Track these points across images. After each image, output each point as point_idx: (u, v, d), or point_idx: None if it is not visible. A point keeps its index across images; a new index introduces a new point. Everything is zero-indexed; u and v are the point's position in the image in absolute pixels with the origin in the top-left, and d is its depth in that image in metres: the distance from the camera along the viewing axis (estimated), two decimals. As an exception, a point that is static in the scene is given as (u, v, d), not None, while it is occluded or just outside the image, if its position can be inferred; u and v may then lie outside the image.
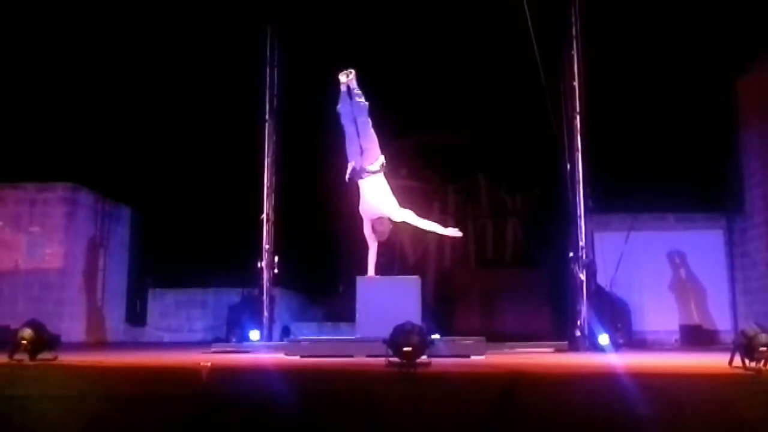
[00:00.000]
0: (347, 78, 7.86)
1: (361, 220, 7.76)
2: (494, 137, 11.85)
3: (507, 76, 10.44)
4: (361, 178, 7.68)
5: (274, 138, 10.11)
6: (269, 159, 10.03)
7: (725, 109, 11.06)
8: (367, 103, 7.77)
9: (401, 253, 12.17)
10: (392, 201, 7.68)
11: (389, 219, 7.58)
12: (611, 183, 9.46)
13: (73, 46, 10.62)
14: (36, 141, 10.98)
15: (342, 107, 7.87)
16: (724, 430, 3.61)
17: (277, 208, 10.05)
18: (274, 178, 10.03)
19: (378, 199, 7.62)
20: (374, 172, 7.68)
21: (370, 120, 7.78)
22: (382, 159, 7.76)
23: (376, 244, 7.69)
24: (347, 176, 7.74)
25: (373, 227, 7.59)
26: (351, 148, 7.78)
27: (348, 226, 10.48)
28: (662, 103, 10.49)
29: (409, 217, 7.62)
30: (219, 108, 10.67)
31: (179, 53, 10.71)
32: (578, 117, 8.97)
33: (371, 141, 7.76)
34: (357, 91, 7.79)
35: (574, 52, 9.03)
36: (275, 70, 10.18)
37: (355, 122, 7.75)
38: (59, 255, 11.34)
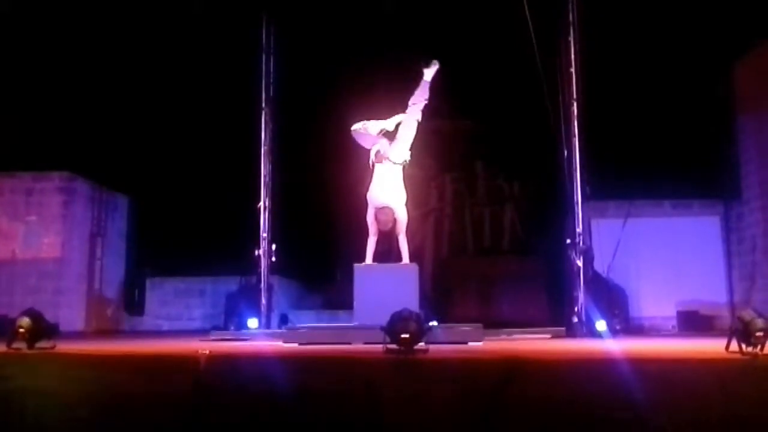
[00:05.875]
0: (430, 68, 7.89)
1: (364, 206, 7.77)
2: (492, 125, 11.83)
3: (504, 64, 10.43)
4: (380, 162, 7.73)
5: (271, 126, 10.09)
6: (266, 147, 10.01)
7: (722, 95, 11.04)
8: (426, 101, 7.81)
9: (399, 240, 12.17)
10: (402, 196, 7.72)
11: (393, 211, 7.60)
12: (608, 170, 9.46)
13: (67, 34, 10.58)
14: (32, 130, 10.96)
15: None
16: (721, 415, 3.62)
17: (275, 196, 10.05)
18: (270, 166, 10.02)
19: (389, 189, 7.66)
20: (394, 164, 7.74)
21: (420, 118, 7.79)
22: (408, 156, 7.83)
23: (376, 232, 7.71)
24: (371, 159, 7.78)
25: (375, 216, 7.61)
26: (386, 127, 7.83)
27: (345, 214, 10.50)
28: (659, 89, 10.47)
29: (403, 224, 7.66)
30: (215, 96, 10.64)
31: (175, 42, 10.68)
32: (575, 104, 8.97)
33: (409, 135, 7.83)
34: (429, 84, 7.89)
35: (571, 39, 9.01)
36: (271, 57, 10.15)
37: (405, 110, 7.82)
38: (56, 244, 11.34)
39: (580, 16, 9.03)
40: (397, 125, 7.92)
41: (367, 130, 7.85)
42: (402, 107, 8.10)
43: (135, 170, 11.87)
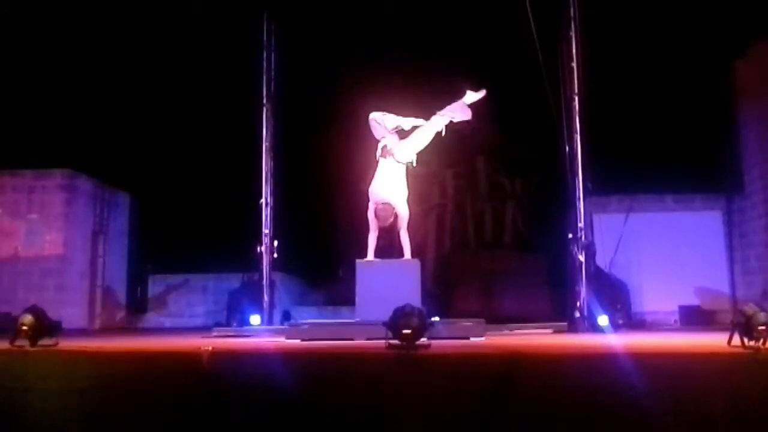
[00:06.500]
0: (476, 94, 7.95)
1: (366, 202, 7.78)
2: (493, 121, 11.81)
3: (505, 60, 10.40)
4: (385, 158, 7.74)
5: (272, 122, 10.08)
6: (267, 143, 10.00)
7: (724, 90, 11.03)
8: (452, 120, 7.86)
9: (400, 236, 12.17)
10: (403, 193, 7.73)
11: (393, 208, 7.60)
12: (610, 165, 9.44)
13: (69, 31, 10.58)
14: (33, 128, 10.96)
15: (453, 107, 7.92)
16: (723, 409, 3.62)
17: (276, 193, 10.05)
18: (272, 163, 10.02)
19: (390, 185, 7.67)
20: (398, 162, 7.75)
21: (441, 132, 7.86)
22: (413, 159, 7.85)
23: (377, 227, 7.71)
24: (377, 152, 7.80)
25: (375, 212, 7.61)
26: (402, 126, 7.84)
27: (347, 210, 10.50)
28: (661, 84, 10.46)
29: (404, 220, 7.67)
30: (217, 93, 10.63)
31: (176, 39, 10.67)
32: (577, 99, 8.94)
33: (421, 140, 7.85)
34: (467, 107, 7.96)
35: (573, 34, 8.99)
36: (272, 54, 10.14)
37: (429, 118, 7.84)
38: (59, 242, 11.35)
39: (582, 10, 9.01)
40: (414, 127, 7.92)
41: (382, 122, 7.87)
42: (402, 104, 8.10)
43: (137, 167, 11.87)
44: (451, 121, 8.01)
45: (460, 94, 8.35)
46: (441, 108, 8.17)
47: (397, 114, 7.98)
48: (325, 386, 4.04)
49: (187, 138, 11.35)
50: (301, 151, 10.92)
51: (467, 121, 8.19)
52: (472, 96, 8.07)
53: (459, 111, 8.00)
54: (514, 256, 12.09)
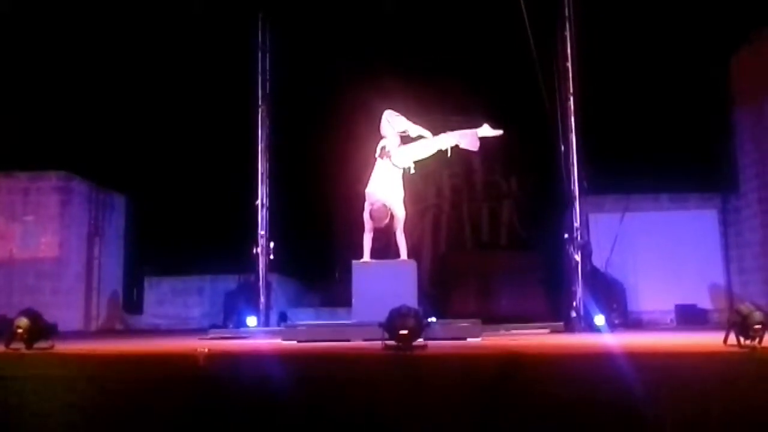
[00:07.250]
0: (492, 131, 8.02)
1: (362, 203, 7.78)
2: (488, 120, 11.81)
3: (501, 60, 10.42)
4: (382, 158, 7.76)
5: (268, 123, 10.07)
6: (263, 144, 9.99)
7: (719, 89, 11.04)
8: (458, 145, 7.96)
9: (397, 237, 12.16)
10: (399, 194, 7.74)
11: (388, 208, 7.61)
12: (606, 164, 9.45)
13: (64, 33, 10.56)
14: (28, 130, 10.94)
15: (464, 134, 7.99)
16: (719, 408, 3.63)
17: (272, 194, 10.04)
18: (268, 164, 10.00)
19: (387, 186, 7.68)
20: (394, 166, 7.77)
21: (446, 152, 7.96)
22: (410, 165, 7.87)
23: (371, 228, 7.71)
24: (377, 151, 7.81)
25: (371, 212, 7.61)
26: (409, 131, 7.85)
27: (344, 211, 10.50)
28: (656, 83, 10.47)
29: (400, 221, 7.68)
30: (212, 94, 10.62)
31: (171, 41, 10.65)
32: (572, 98, 8.95)
33: (422, 151, 7.91)
34: (479, 138, 8.02)
35: (567, 33, 9.00)
36: (267, 55, 10.13)
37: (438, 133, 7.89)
38: (54, 244, 11.33)
39: (577, 10, 9.01)
40: (420, 136, 7.94)
41: (392, 122, 7.90)
42: (398, 104, 8.10)
43: (132, 169, 11.85)
44: (456, 145, 8.04)
45: (457, 95, 8.36)
46: (438, 108, 8.17)
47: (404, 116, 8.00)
48: (322, 387, 4.04)
49: (182, 139, 11.33)
50: (297, 152, 10.91)
51: (471, 150, 8.23)
52: (487, 130, 8.09)
53: (468, 139, 8.05)
54: (510, 256, 12.08)
